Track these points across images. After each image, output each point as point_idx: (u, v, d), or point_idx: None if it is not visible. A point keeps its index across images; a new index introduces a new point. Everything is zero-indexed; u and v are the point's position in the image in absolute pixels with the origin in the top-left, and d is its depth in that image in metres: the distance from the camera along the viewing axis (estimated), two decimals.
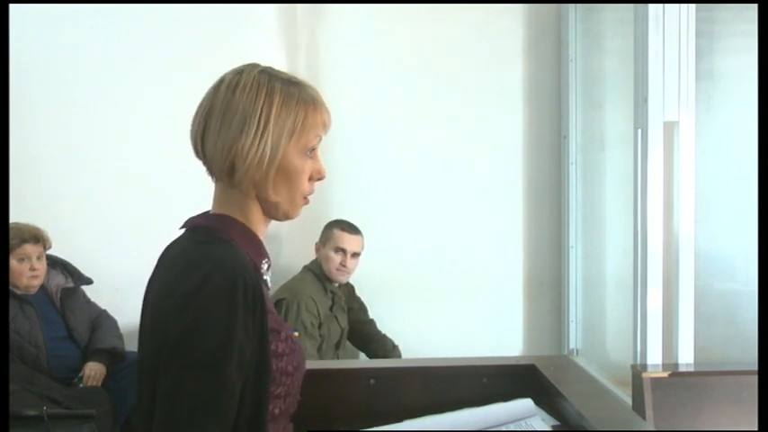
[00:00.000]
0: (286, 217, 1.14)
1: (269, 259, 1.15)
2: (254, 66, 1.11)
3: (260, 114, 1.05)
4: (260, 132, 1.05)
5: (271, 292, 1.16)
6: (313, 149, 1.12)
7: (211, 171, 1.11)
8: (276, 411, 1.09)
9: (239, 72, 1.09)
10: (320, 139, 1.13)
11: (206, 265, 1.01)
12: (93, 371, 2.78)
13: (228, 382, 0.98)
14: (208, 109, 1.09)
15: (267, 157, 1.06)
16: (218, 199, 1.14)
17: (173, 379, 0.98)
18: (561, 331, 3.36)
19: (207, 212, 1.15)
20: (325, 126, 1.13)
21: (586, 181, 3.26)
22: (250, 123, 1.05)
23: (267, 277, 1.15)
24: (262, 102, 1.05)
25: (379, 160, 3.33)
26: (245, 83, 1.07)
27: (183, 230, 1.14)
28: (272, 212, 1.13)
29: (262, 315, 1.03)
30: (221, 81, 1.10)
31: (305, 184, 1.12)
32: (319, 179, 1.14)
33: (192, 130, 1.11)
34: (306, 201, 1.14)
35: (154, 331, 1.05)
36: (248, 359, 1.01)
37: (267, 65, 1.14)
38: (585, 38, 3.27)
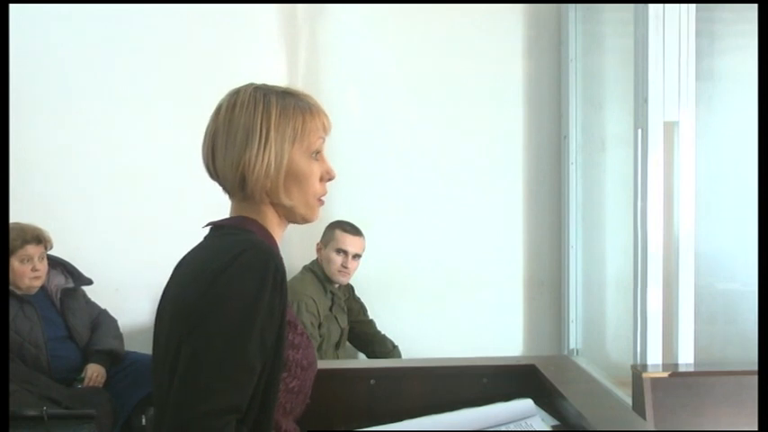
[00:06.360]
0: (304, 220, 1.20)
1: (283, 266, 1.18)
2: (249, 85, 1.18)
3: (260, 126, 1.12)
4: (263, 142, 1.11)
5: None
6: (318, 152, 1.18)
7: (225, 188, 1.18)
8: (288, 407, 1.11)
9: (236, 92, 1.16)
10: (323, 141, 1.19)
11: (239, 245, 1.07)
12: (96, 373, 2.78)
13: (249, 355, 1.01)
14: (213, 131, 1.16)
15: (274, 164, 1.12)
16: (234, 212, 1.19)
17: (196, 346, 1.01)
18: (561, 331, 3.36)
19: (227, 217, 1.19)
20: (326, 129, 1.19)
21: (586, 181, 3.26)
22: (253, 136, 1.11)
23: None
24: (260, 114, 1.12)
25: (379, 160, 3.33)
26: (243, 101, 1.14)
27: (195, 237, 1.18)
28: (290, 217, 1.20)
29: (283, 300, 1.07)
30: (220, 104, 1.17)
31: (316, 186, 1.18)
32: (330, 179, 1.20)
33: (202, 155, 1.18)
34: (320, 202, 1.21)
35: (178, 305, 1.07)
36: (269, 339, 1.03)
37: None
38: (585, 38, 3.27)
